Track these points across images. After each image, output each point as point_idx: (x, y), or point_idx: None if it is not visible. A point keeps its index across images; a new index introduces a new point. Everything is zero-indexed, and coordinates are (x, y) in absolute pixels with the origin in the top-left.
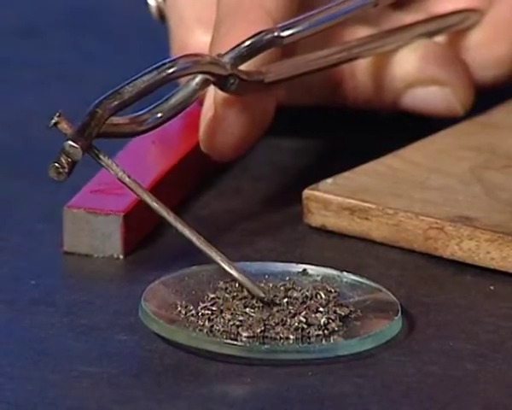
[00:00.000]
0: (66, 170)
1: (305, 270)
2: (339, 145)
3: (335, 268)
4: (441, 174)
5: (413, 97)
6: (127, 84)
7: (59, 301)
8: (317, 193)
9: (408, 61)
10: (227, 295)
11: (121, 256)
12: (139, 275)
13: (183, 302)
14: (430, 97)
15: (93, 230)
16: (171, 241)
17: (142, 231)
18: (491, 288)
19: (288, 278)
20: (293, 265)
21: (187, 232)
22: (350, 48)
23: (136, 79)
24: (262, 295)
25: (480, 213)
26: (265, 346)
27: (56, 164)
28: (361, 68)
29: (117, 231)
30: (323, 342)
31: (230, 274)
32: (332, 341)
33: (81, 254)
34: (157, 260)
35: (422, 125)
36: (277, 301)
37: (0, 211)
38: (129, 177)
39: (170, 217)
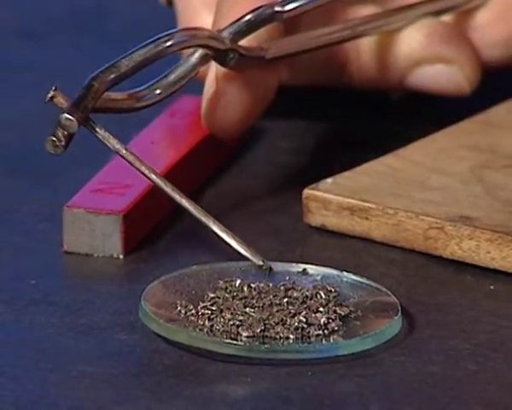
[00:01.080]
0: (63, 143)
1: (305, 270)
2: (339, 145)
3: (335, 268)
4: (441, 174)
5: (419, 76)
6: (123, 57)
7: (59, 301)
8: (317, 193)
9: (413, 40)
10: (227, 295)
11: (121, 256)
12: (139, 275)
13: (183, 302)
14: (437, 75)
15: (93, 229)
16: (171, 240)
17: (141, 231)
18: (492, 288)
19: (287, 278)
20: (293, 264)
21: (185, 203)
22: (353, 26)
23: (133, 52)
24: (260, 262)
25: (481, 212)
26: (265, 346)
27: (53, 137)
28: (366, 48)
29: (117, 231)
30: (323, 341)
31: (228, 243)
32: (332, 340)
33: (81, 254)
34: (157, 259)
35: (423, 125)
36: (277, 301)
37: (0, 211)
38: (126, 149)
39: (167, 188)
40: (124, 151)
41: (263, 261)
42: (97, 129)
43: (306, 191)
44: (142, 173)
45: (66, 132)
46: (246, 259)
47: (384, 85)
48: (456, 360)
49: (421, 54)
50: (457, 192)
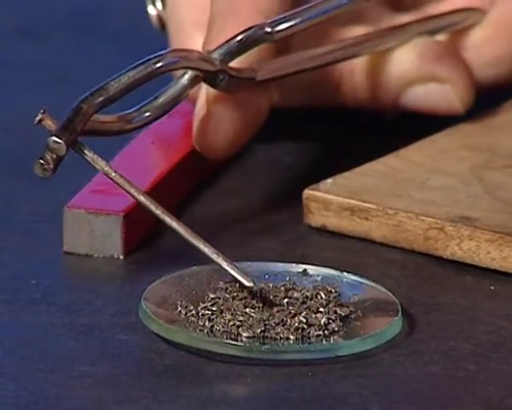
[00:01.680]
0: (52, 166)
1: (305, 270)
2: (339, 145)
3: (336, 268)
4: (441, 174)
5: (413, 96)
6: (112, 79)
7: (59, 301)
8: (317, 193)
9: (406, 59)
10: (227, 296)
11: (121, 256)
12: (139, 275)
13: (184, 302)
14: (430, 95)
15: (93, 230)
16: (172, 241)
17: (142, 232)
18: (492, 288)
19: (288, 279)
20: (294, 265)
21: (175, 226)
22: (345, 46)
23: (122, 74)
24: (251, 284)
25: (481, 213)
26: (266, 346)
27: (41, 161)
28: (359, 68)
29: (117, 231)
30: (324, 342)
31: (217, 263)
32: (332, 341)
33: (81, 255)
34: (157, 260)
35: (423, 125)
36: (278, 302)
37: (0, 211)
38: (115, 171)
39: (157, 211)
40: (113, 174)
41: (253, 283)
42: (86, 151)
43: (307, 192)
44: (132, 195)
45: (54, 155)
46: (237, 281)
47: (378, 106)
48: (456, 360)
49: (414, 73)
50: (457, 192)
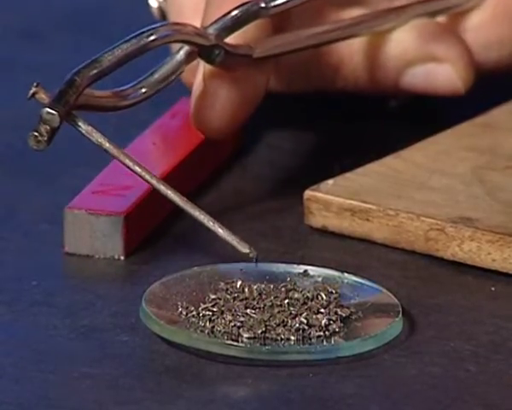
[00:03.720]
0: (46, 138)
1: (305, 271)
2: (339, 146)
3: (336, 269)
4: (442, 175)
5: (413, 76)
6: (106, 52)
7: (60, 302)
8: (317, 194)
9: (405, 39)
10: (228, 296)
11: (122, 257)
12: (140, 276)
13: (184, 303)
14: (430, 75)
15: (94, 231)
16: (172, 242)
17: (142, 232)
18: (492, 289)
19: (288, 279)
20: (294, 266)
21: (171, 195)
22: (343, 26)
23: (115, 47)
24: (247, 250)
25: (481, 214)
26: (266, 347)
27: (35, 133)
28: (358, 50)
29: (118, 232)
30: (324, 343)
31: (215, 231)
32: (333, 342)
33: (82, 255)
34: (158, 261)
35: (424, 126)
36: (278, 302)
37: (1, 212)
38: (109, 142)
39: (153, 180)
40: (107, 145)
41: (249, 249)
42: (80, 123)
43: (307, 193)
44: (127, 166)
45: (48, 127)
46: (232, 247)
47: (378, 88)
48: (457, 361)
49: (413, 53)
50: (458, 193)
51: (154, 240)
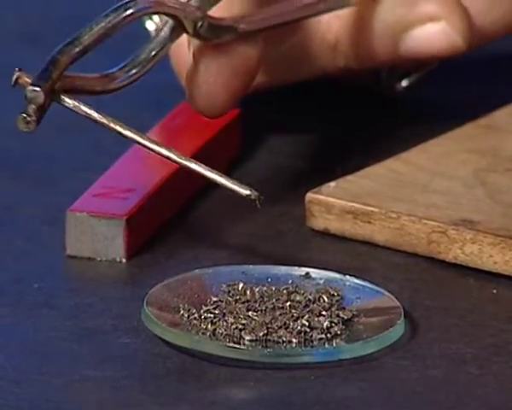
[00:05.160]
0: (34, 118)
1: (307, 273)
2: (341, 149)
3: (338, 272)
4: (444, 177)
5: (411, 41)
6: (85, 29)
7: (62, 305)
8: (319, 196)
9: (397, 4)
10: (230, 299)
11: (124, 260)
12: (142, 278)
13: (186, 306)
14: (427, 36)
15: (96, 233)
16: (174, 244)
17: (144, 235)
18: (494, 291)
19: (290, 282)
20: (296, 268)
21: (165, 152)
22: None
23: (93, 23)
24: (248, 192)
25: (483, 216)
26: (268, 349)
27: (23, 114)
28: (353, 23)
29: (120, 235)
30: (326, 345)
31: (213, 179)
32: (335, 344)
33: (84, 258)
34: (159, 263)
35: (426, 128)
36: (280, 305)
37: (3, 214)
38: (97, 112)
39: (145, 141)
40: (96, 115)
41: (250, 191)
42: (66, 99)
43: (309, 195)
44: (118, 132)
45: (34, 106)
46: (233, 192)
47: (379, 60)
48: (458, 363)
49: (407, 17)
50: (460, 196)
51: (156, 243)
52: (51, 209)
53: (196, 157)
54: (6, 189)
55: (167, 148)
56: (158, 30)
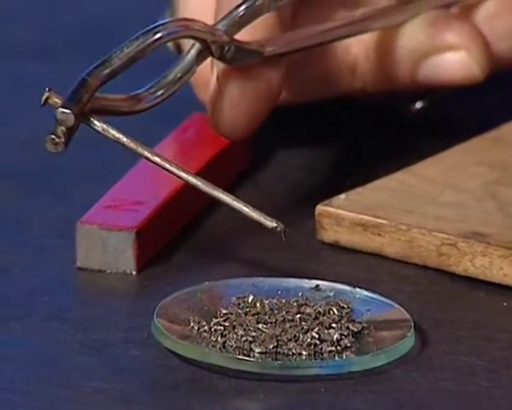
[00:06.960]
0: (63, 140)
1: (317, 286)
2: (351, 162)
3: (348, 284)
4: (454, 190)
5: (429, 68)
6: (115, 52)
7: (72, 317)
8: (329, 209)
9: (418, 32)
10: (239, 311)
11: (134, 272)
12: (152, 291)
13: (196, 318)
14: (446, 65)
15: (106, 246)
16: (184, 257)
17: (154, 247)
18: (505, 304)
19: (300, 294)
20: (306, 281)
21: (193, 180)
22: (354, 22)
23: (124, 46)
24: (274, 224)
25: (493, 229)
26: (278, 362)
27: (52, 136)
28: (373, 47)
29: (130, 247)
30: (336, 358)
31: (240, 210)
32: (345, 357)
33: (94, 270)
34: (170, 276)
35: (435, 141)
36: (290, 317)
37: (13, 227)
38: (126, 137)
39: (172, 168)
40: (124, 139)
41: (276, 223)
42: (95, 122)
43: (319, 208)
44: (146, 158)
45: (64, 128)
46: (259, 223)
47: (396, 85)
48: (468, 376)
49: (428, 45)
50: (470, 209)
51: (166, 255)
52: (61, 221)
53: (206, 170)
54: (16, 201)
55: (195, 176)
56: (184, 53)
